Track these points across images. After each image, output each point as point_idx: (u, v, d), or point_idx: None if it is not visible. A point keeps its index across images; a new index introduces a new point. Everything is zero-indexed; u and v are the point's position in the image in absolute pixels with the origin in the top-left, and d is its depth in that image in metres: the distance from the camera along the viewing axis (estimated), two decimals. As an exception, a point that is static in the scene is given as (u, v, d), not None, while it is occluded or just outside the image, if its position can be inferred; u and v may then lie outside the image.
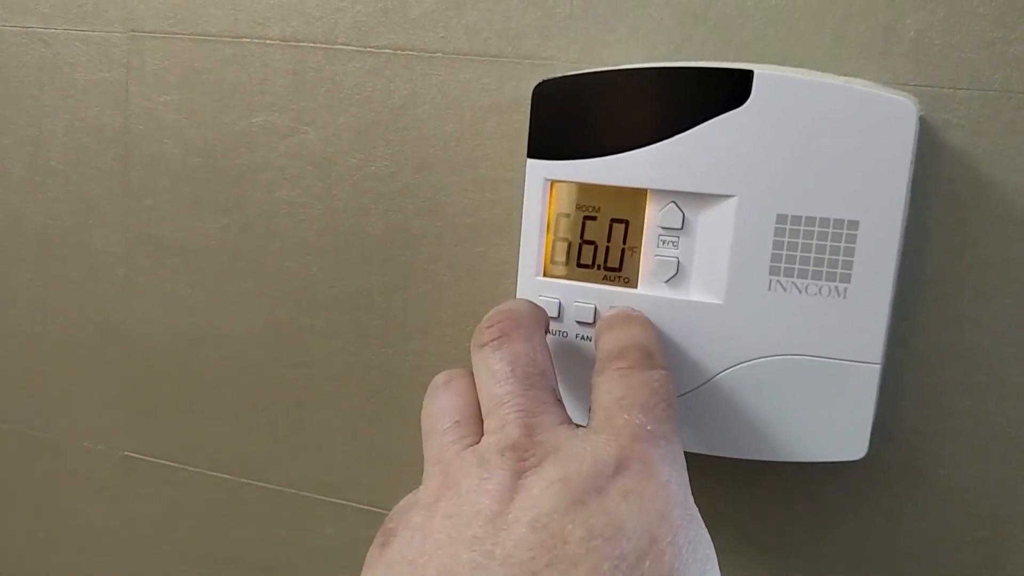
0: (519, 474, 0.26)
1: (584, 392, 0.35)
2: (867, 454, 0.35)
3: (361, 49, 0.44)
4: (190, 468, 0.52)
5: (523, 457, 0.26)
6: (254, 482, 0.50)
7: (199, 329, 0.50)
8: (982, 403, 0.37)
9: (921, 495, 0.38)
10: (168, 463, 0.52)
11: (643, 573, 0.22)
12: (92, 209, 0.51)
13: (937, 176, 0.36)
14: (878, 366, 0.34)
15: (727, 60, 0.38)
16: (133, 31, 0.48)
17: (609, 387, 0.30)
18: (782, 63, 0.37)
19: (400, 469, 0.47)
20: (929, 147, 0.36)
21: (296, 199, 0.46)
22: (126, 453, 0.53)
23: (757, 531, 0.41)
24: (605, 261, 0.38)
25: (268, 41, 0.45)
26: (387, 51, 0.43)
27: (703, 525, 0.26)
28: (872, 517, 0.39)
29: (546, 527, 0.23)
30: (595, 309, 0.37)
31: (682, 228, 0.36)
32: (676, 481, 0.26)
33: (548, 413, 0.29)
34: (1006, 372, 0.37)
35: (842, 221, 0.34)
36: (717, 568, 0.25)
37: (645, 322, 0.35)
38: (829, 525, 0.40)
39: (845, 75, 0.36)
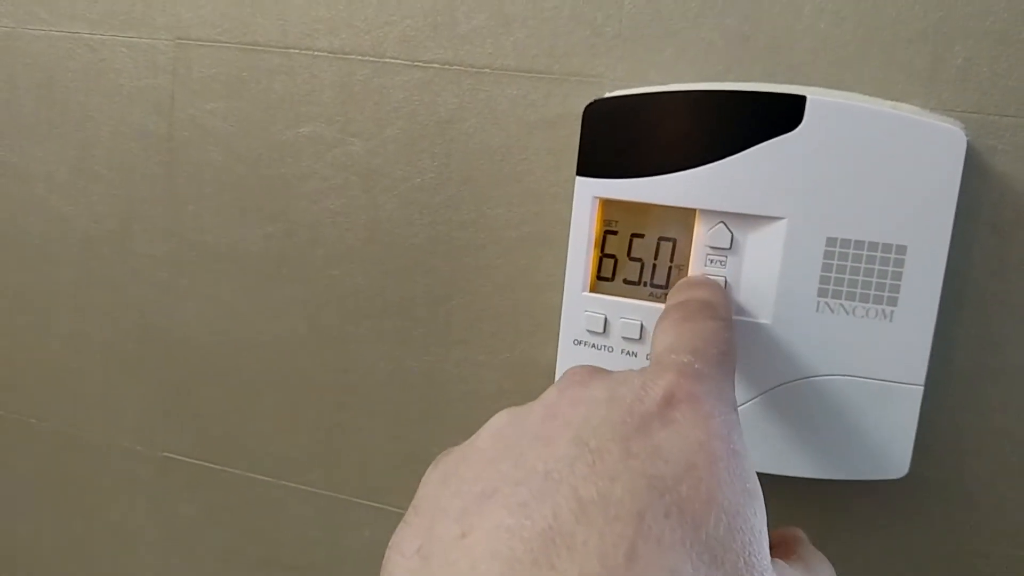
0: (566, 389, 0.27)
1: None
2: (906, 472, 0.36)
3: (409, 63, 0.44)
4: (229, 470, 0.52)
5: (575, 378, 0.28)
6: (293, 484, 0.51)
7: (241, 333, 0.50)
8: (1019, 425, 0.38)
9: (958, 513, 0.39)
10: (207, 464, 0.53)
11: (680, 495, 0.22)
12: (136, 214, 0.51)
13: (981, 201, 0.37)
14: (921, 387, 0.35)
15: (775, 82, 0.38)
16: (180, 39, 0.49)
17: (663, 335, 0.30)
18: (830, 87, 0.38)
19: (438, 475, 0.47)
20: (974, 172, 0.36)
21: (341, 209, 0.47)
22: (165, 454, 0.54)
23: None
24: (652, 278, 0.38)
25: (316, 53, 0.46)
26: (435, 66, 0.44)
27: (749, 461, 0.25)
28: (909, 534, 0.40)
29: (586, 443, 0.24)
30: (641, 325, 0.38)
31: (730, 248, 0.37)
32: (721, 416, 0.25)
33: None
34: (1045, 394, 0.37)
35: (890, 246, 0.34)
36: (763, 508, 0.24)
37: (711, 283, 0.36)
38: (866, 542, 0.41)
39: (892, 100, 0.37)
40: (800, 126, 0.35)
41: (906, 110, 0.35)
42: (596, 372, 0.28)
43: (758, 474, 0.37)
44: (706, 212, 0.37)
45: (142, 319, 0.53)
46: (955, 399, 0.38)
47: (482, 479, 0.25)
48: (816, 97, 0.35)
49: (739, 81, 0.39)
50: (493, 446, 0.26)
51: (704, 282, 0.36)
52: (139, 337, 0.53)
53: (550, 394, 0.27)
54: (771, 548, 0.25)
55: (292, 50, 0.47)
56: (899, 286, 0.35)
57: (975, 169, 0.36)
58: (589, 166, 0.38)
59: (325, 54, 0.46)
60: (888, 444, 0.36)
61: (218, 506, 0.53)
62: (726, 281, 0.37)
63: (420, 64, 0.44)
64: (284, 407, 0.50)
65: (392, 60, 0.45)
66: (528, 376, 0.45)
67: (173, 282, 0.51)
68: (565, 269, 0.39)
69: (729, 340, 0.30)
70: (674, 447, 0.24)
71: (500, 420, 0.28)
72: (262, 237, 0.49)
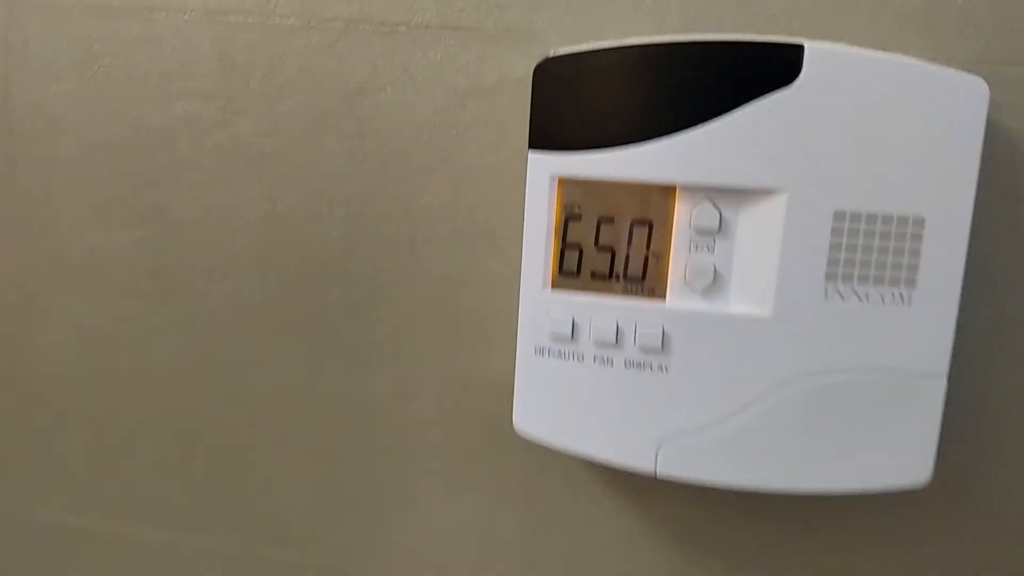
0: None
1: (609, 420, 0.30)
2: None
3: (305, 23, 0.36)
4: (110, 530, 0.43)
5: None
6: (194, 544, 0.42)
7: (114, 365, 0.41)
8: (1036, 410, 0.34)
9: (977, 521, 0.35)
10: (83, 528, 0.43)
11: None
12: (-35, 223, 0.41)
13: (992, 164, 0.32)
14: (944, 380, 0.30)
15: (752, 31, 0.33)
16: (11, 6, 0.39)
17: None
18: (817, 37, 0.32)
19: (370, 520, 0.40)
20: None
21: (228, 204, 0.39)
22: (31, 514, 0.44)
23: (802, 569, 0.37)
24: (625, 270, 0.32)
25: (187, 15, 0.37)
26: (338, 24, 0.36)
27: None
28: (931, 552, 0.35)
29: None
30: (617, 327, 0.32)
31: (719, 230, 0.31)
32: None
33: None
34: (1063, 376, 0.33)
35: (907, 219, 0.29)
36: None
37: None
38: (881, 564, 0.36)
39: (887, 50, 0.32)
40: (797, 80, 0.29)
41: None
42: None
43: (756, 495, 0.32)
44: (688, 188, 0.31)
45: (-18, 354, 0.43)
46: (974, 391, 0.34)
47: None
48: (816, 46, 0.29)
49: (705, 35, 0.33)
50: None
51: None
52: (-20, 376, 0.43)
53: None
54: None
55: (157, 12, 0.38)
56: (917, 265, 0.30)
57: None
58: (544, 138, 0.31)
59: (199, 15, 0.37)
60: (908, 446, 0.31)
61: (101, 573, 0.44)
62: (715, 268, 0.31)
63: (319, 24, 0.36)
64: (173, 452, 0.42)
65: (283, 20, 0.37)
66: (475, 394, 0.38)
67: (24, 304, 0.41)
68: (515, 265, 0.33)
69: None
70: None
71: None
72: (131, 244, 0.40)
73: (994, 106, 0.32)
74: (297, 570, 0.42)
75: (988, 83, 0.31)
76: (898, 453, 0.31)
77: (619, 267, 0.32)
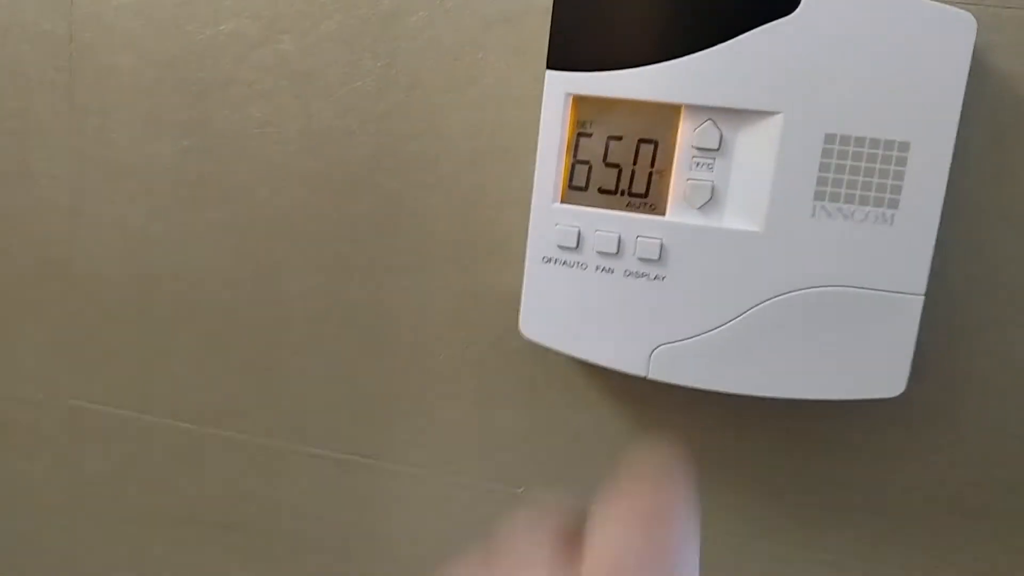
0: None
1: (607, 325, 0.33)
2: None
3: (348, -51, 0.39)
4: (147, 418, 0.47)
5: None
6: (220, 431, 0.46)
7: (156, 265, 0.45)
8: (1012, 340, 0.36)
9: (947, 434, 0.37)
10: (120, 412, 0.47)
11: None
12: (32, 128, 0.45)
13: (980, 101, 0.34)
14: (922, 297, 0.33)
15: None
16: (75, -76, 0.42)
17: (605, 539, 0.22)
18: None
19: (385, 417, 0.43)
20: (972, 69, 0.34)
21: (268, 118, 0.41)
22: (72, 402, 0.48)
23: (781, 472, 0.39)
24: (630, 186, 0.35)
25: (238, -63, 0.40)
26: (378, -48, 0.39)
27: None
28: (899, 460, 0.38)
29: None
30: (619, 239, 0.34)
31: (719, 149, 0.33)
32: None
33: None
34: (1039, 307, 0.35)
35: (893, 142, 0.31)
36: None
37: (675, 478, 0.24)
38: (853, 467, 0.38)
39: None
40: (797, 9, 0.31)
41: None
42: None
43: (744, 396, 0.35)
44: (692, 108, 0.33)
45: (41, 251, 0.46)
46: (948, 315, 0.36)
47: None
48: (816, -23, 0.31)
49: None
50: None
51: (666, 476, 0.25)
52: (38, 272, 0.46)
53: None
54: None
55: (210, -65, 0.40)
56: (901, 187, 0.32)
57: (973, 66, 0.34)
58: (561, 58, 0.34)
59: (249, -61, 0.40)
60: (885, 359, 0.33)
61: (134, 459, 0.48)
62: (713, 186, 0.33)
63: (361, -50, 0.39)
64: (207, 347, 0.45)
65: (328, -54, 0.39)
66: (486, 305, 0.41)
67: (77, 207, 0.45)
68: (531, 181, 0.35)
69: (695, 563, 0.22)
70: None
71: None
72: (178, 152, 0.43)
73: (988, 46, 0.34)
74: (317, 461, 0.45)
75: (985, 23, 0.33)
76: (875, 365, 0.33)
77: (624, 184, 0.35)
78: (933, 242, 0.32)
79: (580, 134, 0.35)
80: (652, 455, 0.25)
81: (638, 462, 0.25)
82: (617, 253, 0.34)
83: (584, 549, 0.21)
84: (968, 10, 0.33)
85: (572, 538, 0.22)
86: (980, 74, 0.34)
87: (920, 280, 0.32)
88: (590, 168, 0.35)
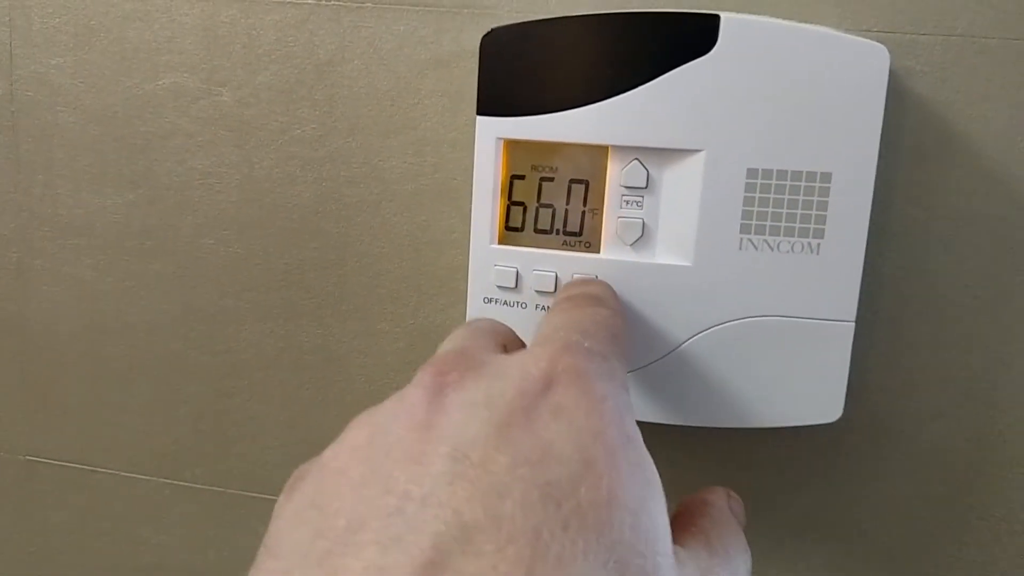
0: (437, 392, 0.22)
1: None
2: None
3: (280, 0, 0.40)
4: (102, 470, 0.47)
5: (443, 371, 0.23)
6: (176, 482, 0.46)
7: (106, 317, 0.45)
8: (948, 359, 0.36)
9: (889, 455, 0.38)
10: (77, 466, 0.47)
11: (578, 501, 0.19)
12: (-27, 187, 0.45)
13: (901, 126, 0.35)
14: (852, 324, 0.33)
15: (683, 6, 0.35)
16: (12, -16, 0.43)
17: (550, 319, 0.27)
18: (738, 10, 0.35)
19: (341, 458, 0.43)
20: (892, 96, 0.34)
21: (211, 168, 0.42)
22: (28, 457, 0.48)
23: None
24: (564, 225, 0.35)
25: (173, -8, 0.41)
26: (310, 1, 0.39)
27: (644, 448, 0.23)
28: (843, 482, 0.38)
29: (467, 456, 0.20)
30: (556, 277, 0.35)
31: (646, 187, 0.34)
32: (614, 399, 0.23)
33: (485, 345, 0.27)
34: (973, 326, 0.36)
35: (815, 174, 0.32)
36: (662, 495, 0.22)
37: (600, 281, 0.34)
38: (798, 493, 0.39)
39: (803, 21, 0.35)
40: (714, 49, 0.32)
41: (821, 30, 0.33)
42: (468, 364, 0.24)
43: (683, 427, 0.35)
44: (619, 148, 0.34)
45: (-11, 308, 0.46)
46: (881, 336, 0.37)
47: (346, 510, 0.20)
48: (730, 16, 0.32)
49: (645, 6, 0.36)
50: (354, 467, 0.21)
51: (593, 280, 0.34)
52: (-13, 329, 0.47)
53: (415, 395, 0.23)
54: (672, 523, 0.22)
55: (145, -10, 0.41)
56: (825, 217, 0.32)
57: (893, 92, 0.34)
58: (490, 104, 0.34)
59: (183, -7, 0.41)
60: (820, 386, 0.34)
61: (93, 512, 0.48)
62: (643, 223, 0.34)
63: (293, 0, 0.39)
64: (160, 397, 0.45)
65: (261, -2, 0.40)
66: (435, 344, 0.41)
67: (25, 263, 0.45)
68: (470, 222, 0.36)
69: (620, 326, 0.28)
70: (567, 443, 0.20)
71: (358, 433, 0.23)
72: (123, 206, 0.43)
73: (906, 72, 0.35)
74: (271, 507, 0.45)
75: (902, 50, 0.34)
76: (811, 392, 0.34)
77: (559, 223, 0.35)
78: (860, 269, 0.33)
79: (514, 176, 0.35)
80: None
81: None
82: (555, 291, 0.35)
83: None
84: (884, 38, 0.34)
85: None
86: (899, 99, 0.35)
87: (850, 307, 0.33)
88: (524, 209, 0.35)
